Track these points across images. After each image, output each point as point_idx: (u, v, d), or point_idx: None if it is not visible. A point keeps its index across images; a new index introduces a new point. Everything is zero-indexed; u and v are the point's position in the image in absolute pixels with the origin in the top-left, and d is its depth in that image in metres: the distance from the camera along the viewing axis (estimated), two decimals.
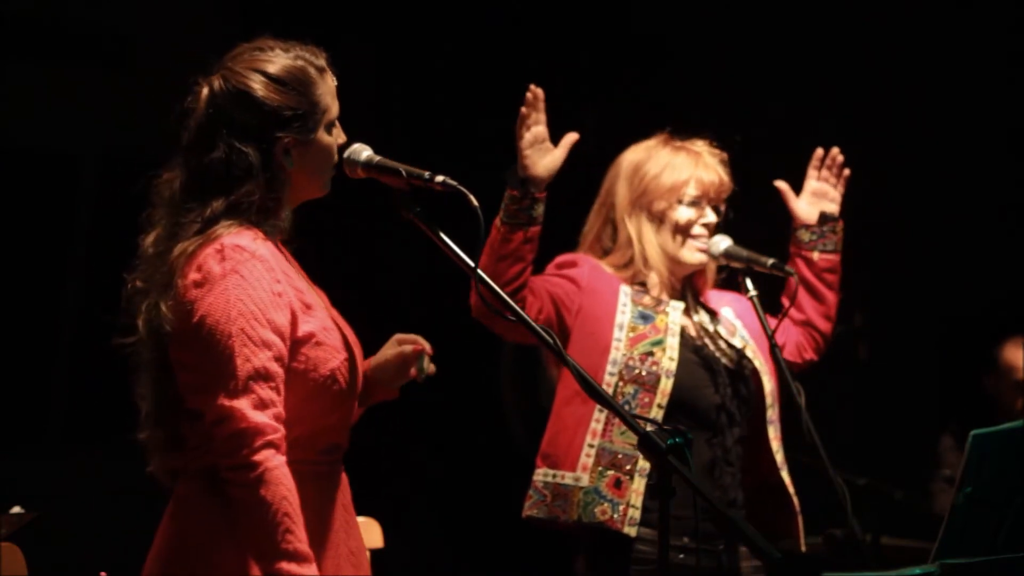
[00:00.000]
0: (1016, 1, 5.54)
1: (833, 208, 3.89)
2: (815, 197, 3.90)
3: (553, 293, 3.59)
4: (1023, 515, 2.96)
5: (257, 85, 2.75)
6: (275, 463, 2.59)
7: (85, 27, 5.44)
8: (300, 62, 2.78)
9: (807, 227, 3.86)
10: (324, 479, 2.78)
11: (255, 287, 2.65)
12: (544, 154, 3.48)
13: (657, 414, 3.50)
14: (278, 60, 2.78)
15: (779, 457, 3.68)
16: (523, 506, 3.58)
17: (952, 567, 2.93)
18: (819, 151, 3.93)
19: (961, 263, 5.73)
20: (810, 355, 3.85)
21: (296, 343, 2.69)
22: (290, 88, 2.75)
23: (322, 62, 2.81)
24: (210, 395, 2.62)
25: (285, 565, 2.57)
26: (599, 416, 3.53)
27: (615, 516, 3.47)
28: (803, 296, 3.82)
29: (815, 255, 3.84)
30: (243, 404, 2.60)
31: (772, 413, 3.69)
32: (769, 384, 3.72)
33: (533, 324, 2.73)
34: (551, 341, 2.68)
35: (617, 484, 3.48)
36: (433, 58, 5.71)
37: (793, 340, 3.82)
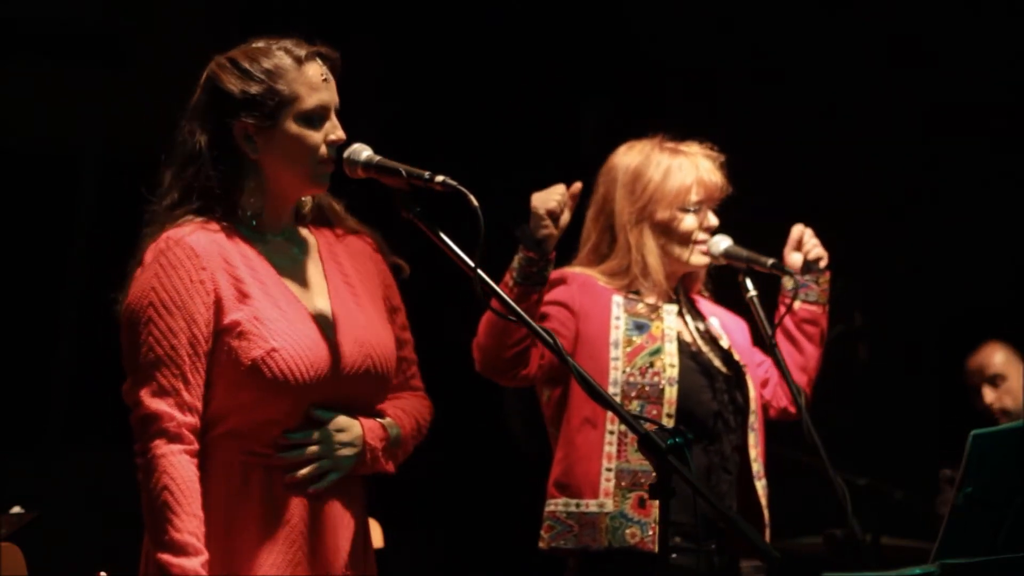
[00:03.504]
0: (1013, 9, 5.54)
1: (820, 258, 3.78)
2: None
3: (550, 330, 3.55)
4: (1023, 515, 2.95)
5: (222, 71, 2.80)
6: (163, 451, 2.64)
7: (85, 27, 5.44)
8: (274, 49, 2.80)
9: (790, 275, 3.77)
10: (284, 473, 2.76)
11: (171, 275, 2.70)
12: None
13: (667, 424, 3.47)
14: (251, 50, 2.81)
15: (756, 466, 3.66)
16: (541, 537, 3.55)
17: (952, 567, 2.93)
18: (796, 229, 3.79)
19: (960, 264, 5.73)
20: (784, 404, 3.77)
21: (221, 331, 2.72)
22: (251, 73, 2.78)
23: (302, 52, 2.81)
24: (126, 380, 2.72)
25: (162, 555, 2.62)
26: (611, 439, 3.52)
27: (645, 537, 3.47)
28: (783, 344, 3.75)
29: (796, 304, 3.75)
30: (143, 391, 2.68)
31: (754, 420, 3.68)
32: (754, 391, 3.71)
33: (533, 325, 2.74)
34: (551, 342, 2.68)
35: (641, 504, 3.47)
36: (434, 58, 5.71)
37: (773, 383, 3.79)
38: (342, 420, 2.80)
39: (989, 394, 5.27)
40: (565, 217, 3.42)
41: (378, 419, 2.87)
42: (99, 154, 5.44)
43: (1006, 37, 5.66)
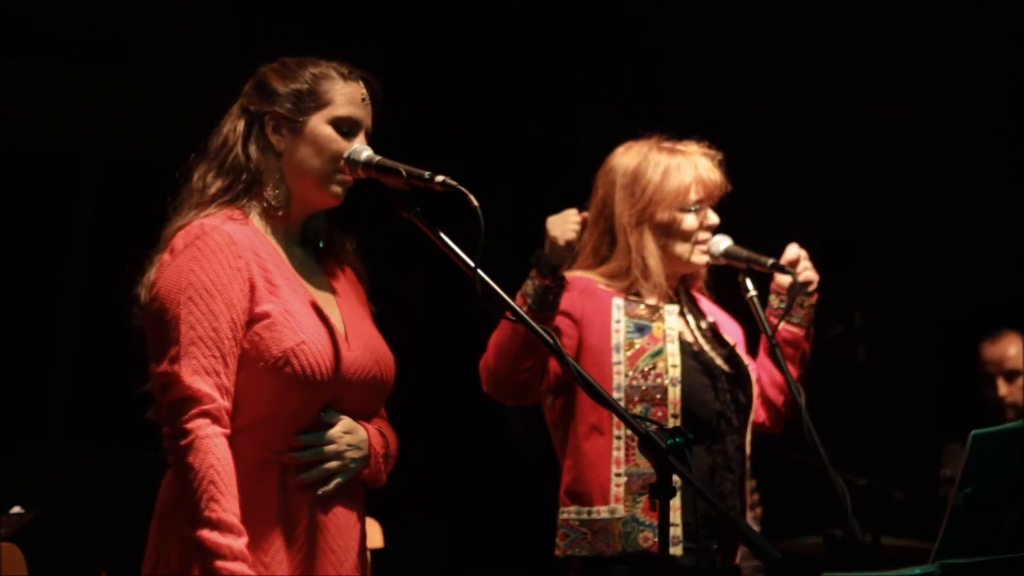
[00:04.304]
0: (1014, 7, 5.53)
1: (810, 282, 3.72)
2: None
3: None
4: (1023, 515, 2.96)
5: (269, 70, 2.91)
6: (207, 432, 2.64)
7: (85, 27, 5.44)
8: (323, 62, 2.90)
9: (777, 293, 3.73)
10: (296, 472, 2.78)
11: (209, 259, 2.73)
12: None
13: (672, 425, 3.46)
14: (302, 58, 2.91)
15: (748, 464, 3.65)
16: (557, 545, 3.54)
17: (952, 567, 2.93)
18: (792, 251, 3.72)
19: (960, 265, 5.74)
20: (761, 419, 3.75)
21: (251, 320, 2.74)
22: (293, 71, 2.88)
23: (347, 71, 2.90)
24: (155, 362, 2.70)
25: (206, 533, 2.61)
26: (618, 444, 3.52)
27: (658, 540, 3.47)
28: (764, 361, 3.75)
29: (780, 324, 3.71)
30: (182, 369, 2.67)
31: (753, 418, 3.68)
32: (756, 388, 3.70)
33: (533, 324, 2.73)
34: (552, 342, 2.69)
35: (653, 506, 3.46)
36: (434, 59, 5.71)
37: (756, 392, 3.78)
38: (349, 422, 2.83)
39: (1003, 387, 5.25)
40: (578, 245, 3.44)
41: (377, 428, 2.90)
42: (99, 154, 5.44)
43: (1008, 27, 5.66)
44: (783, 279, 3.73)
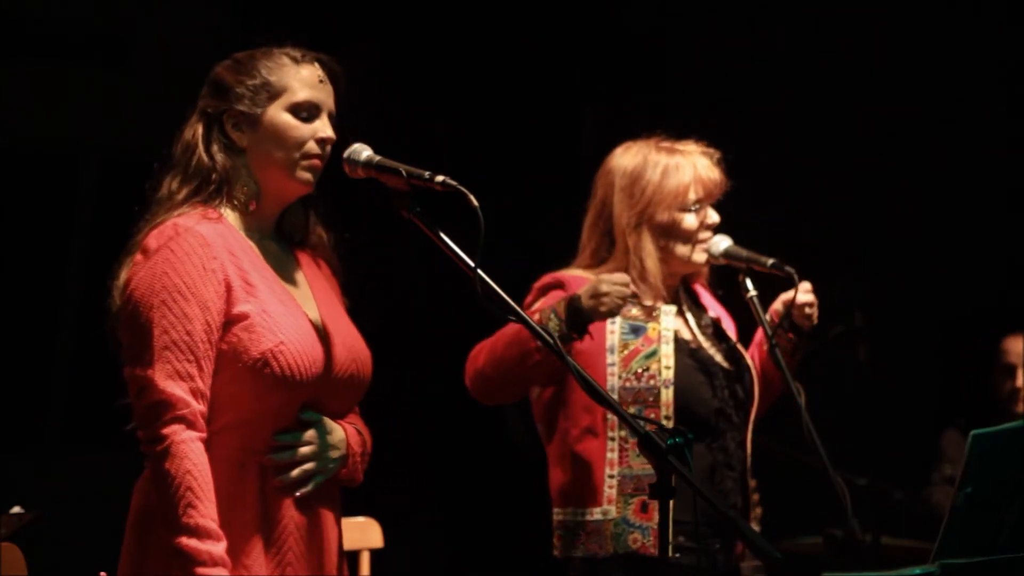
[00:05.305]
0: (1013, 7, 5.54)
1: (803, 324, 3.68)
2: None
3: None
4: (1023, 515, 2.95)
5: (222, 68, 2.89)
6: (182, 437, 2.63)
7: (85, 27, 5.44)
8: (275, 50, 2.88)
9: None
10: (275, 473, 2.78)
11: (183, 261, 2.71)
12: None
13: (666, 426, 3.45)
14: (253, 51, 2.89)
15: (749, 461, 3.65)
16: (554, 546, 3.56)
17: (952, 567, 2.93)
18: (804, 292, 3.67)
19: (960, 264, 5.73)
20: None
21: (229, 322, 2.73)
22: (245, 66, 2.86)
23: (300, 55, 2.88)
24: (129, 367, 2.69)
25: (184, 539, 2.60)
26: (612, 445, 3.52)
27: (646, 541, 3.47)
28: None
29: (767, 344, 3.66)
30: (156, 374, 2.66)
31: (755, 412, 3.68)
32: (757, 385, 3.71)
33: (533, 324, 2.73)
34: (551, 342, 2.69)
35: (643, 508, 3.47)
36: (433, 59, 5.71)
37: None
38: (328, 422, 2.82)
39: (1021, 377, 5.25)
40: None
41: (353, 426, 2.90)
42: (99, 154, 5.44)
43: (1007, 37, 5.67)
44: (780, 308, 3.70)
